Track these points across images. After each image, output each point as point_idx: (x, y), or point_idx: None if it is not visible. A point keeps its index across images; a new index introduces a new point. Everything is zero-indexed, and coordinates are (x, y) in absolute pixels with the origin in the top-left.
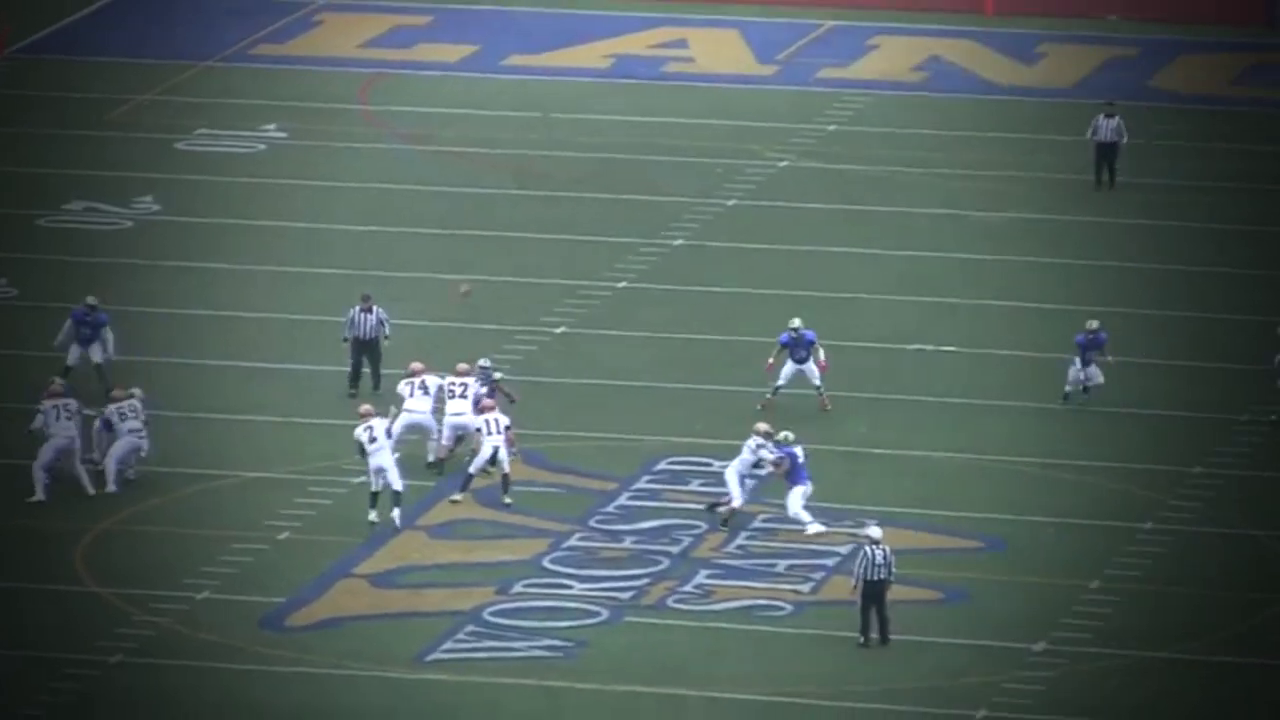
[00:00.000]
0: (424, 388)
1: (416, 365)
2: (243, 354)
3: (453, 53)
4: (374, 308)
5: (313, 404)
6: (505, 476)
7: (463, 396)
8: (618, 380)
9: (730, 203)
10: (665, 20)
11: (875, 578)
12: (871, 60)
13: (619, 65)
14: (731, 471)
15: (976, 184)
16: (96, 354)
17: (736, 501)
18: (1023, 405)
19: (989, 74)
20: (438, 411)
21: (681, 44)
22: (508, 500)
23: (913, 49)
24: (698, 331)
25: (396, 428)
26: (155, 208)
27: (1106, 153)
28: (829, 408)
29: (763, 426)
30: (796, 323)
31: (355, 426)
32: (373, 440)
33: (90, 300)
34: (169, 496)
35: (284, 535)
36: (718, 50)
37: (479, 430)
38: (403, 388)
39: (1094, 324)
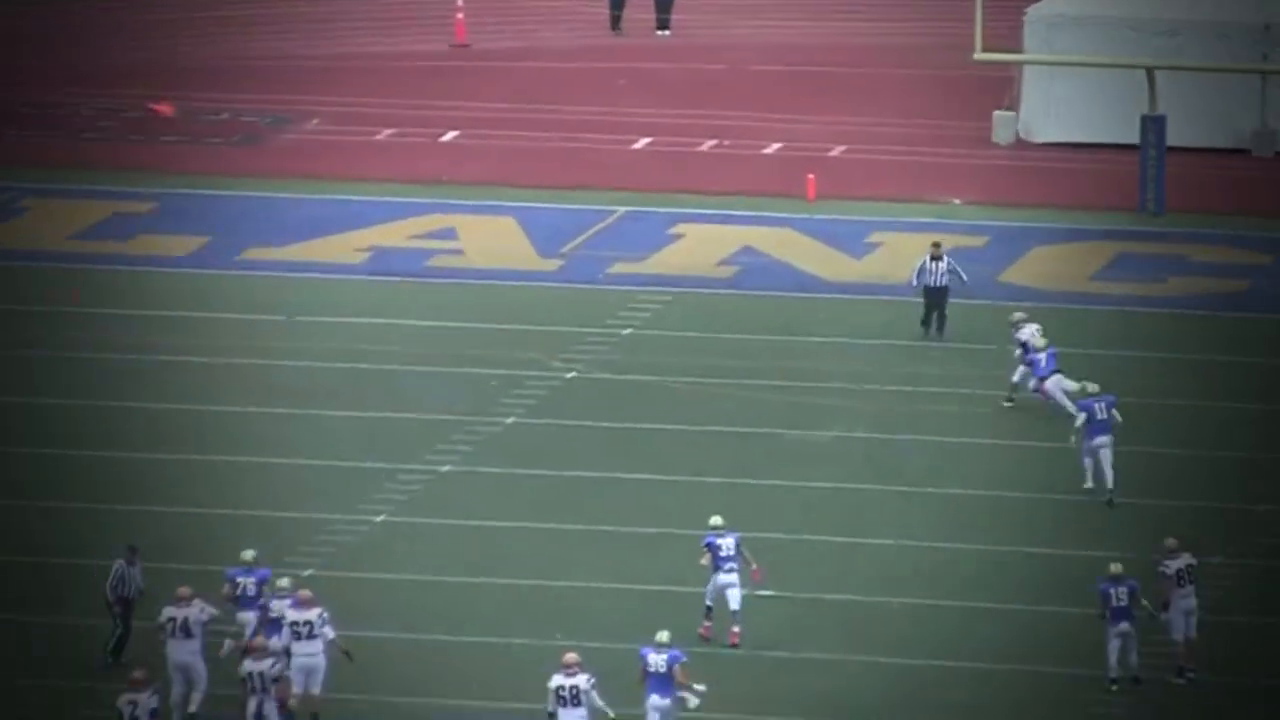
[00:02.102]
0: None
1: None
2: None
3: (180, 245)
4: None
5: None
6: None
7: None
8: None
9: (509, 420)
10: (430, 206)
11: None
12: (673, 252)
13: (376, 259)
14: None
15: (796, 396)
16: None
17: None
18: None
19: (812, 267)
20: None
21: (449, 233)
22: None
23: (722, 239)
24: (465, 574)
25: None
26: None
27: (936, 297)
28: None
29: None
30: (717, 520)
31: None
32: None
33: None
34: None
35: None
36: (492, 241)
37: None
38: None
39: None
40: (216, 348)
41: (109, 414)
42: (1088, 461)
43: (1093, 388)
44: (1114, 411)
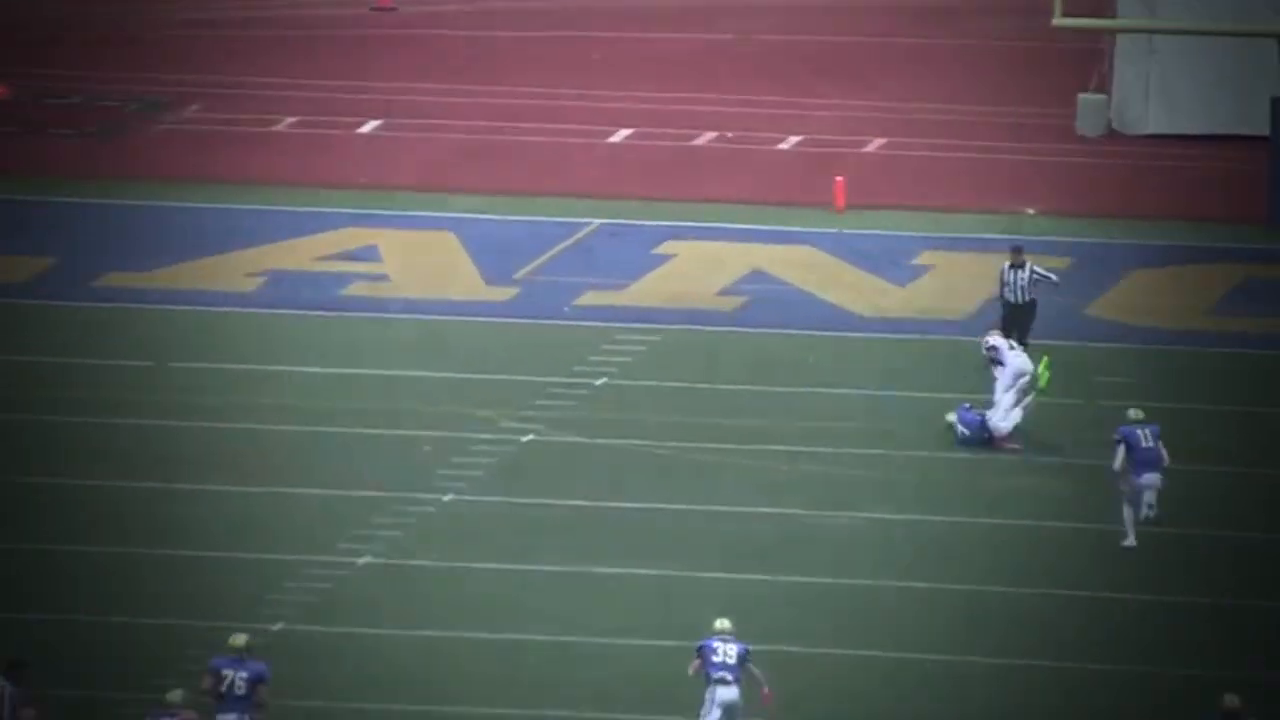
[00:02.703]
0: None
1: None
2: None
3: (17, 267)
4: None
5: None
6: None
7: None
8: None
9: (446, 498)
10: (345, 218)
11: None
12: (661, 278)
13: (275, 287)
14: None
15: (818, 465)
16: None
17: None
18: None
19: (841, 297)
20: None
21: (370, 253)
22: None
23: (725, 260)
24: (376, 700)
25: None
26: None
27: (1017, 316)
28: None
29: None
30: (724, 624)
31: None
32: None
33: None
34: None
35: None
36: (425, 263)
37: None
38: None
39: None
40: (65, 401)
41: None
42: (1129, 512)
43: (1136, 414)
44: (1160, 444)
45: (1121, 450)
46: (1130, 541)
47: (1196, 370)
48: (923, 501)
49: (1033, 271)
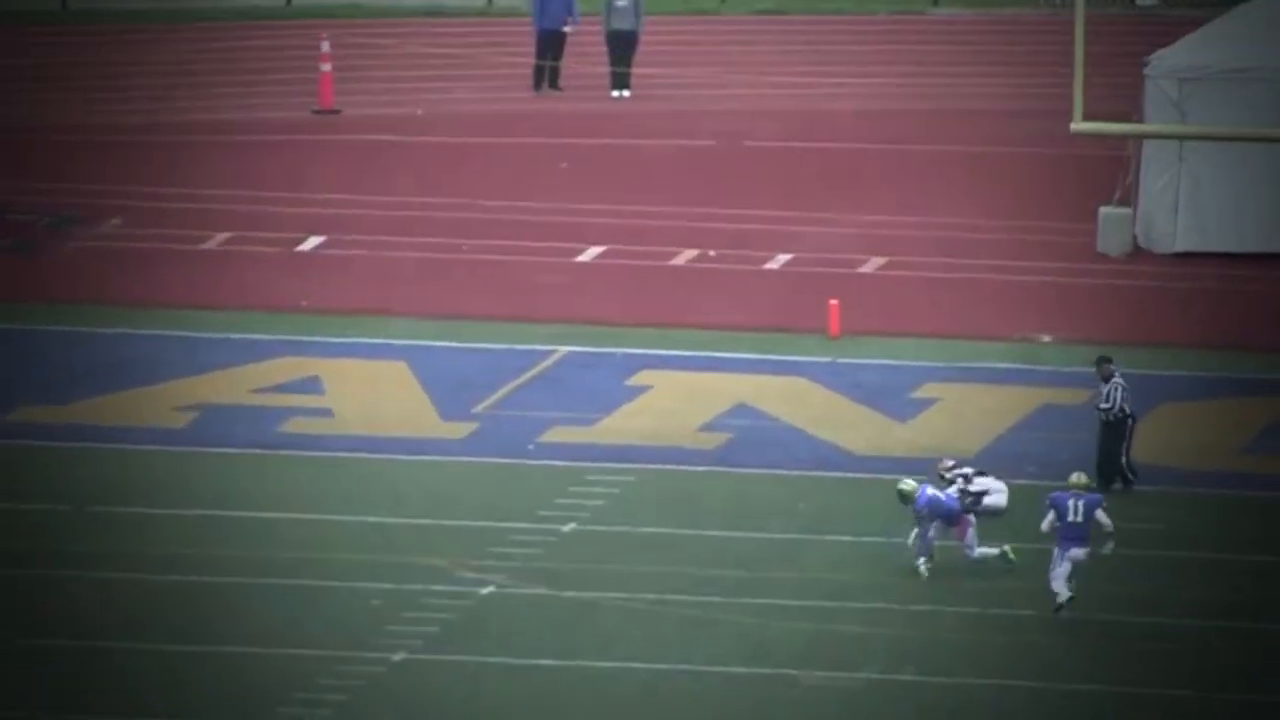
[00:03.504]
0: None
1: None
2: None
3: None
4: None
5: None
6: None
7: None
8: None
9: (396, 658)
10: (284, 345)
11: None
12: (636, 412)
13: (205, 423)
14: None
15: (813, 622)
16: None
17: None
18: None
19: (836, 435)
20: None
21: (313, 384)
22: None
23: (705, 393)
24: None
25: None
26: None
27: (1106, 435)
28: None
29: None
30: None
31: None
32: None
33: None
34: None
35: None
36: (373, 397)
37: None
38: None
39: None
40: None
41: None
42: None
43: (1078, 478)
44: (1099, 513)
45: (1050, 516)
46: (1061, 595)
47: (1227, 515)
48: (928, 661)
49: (1123, 391)
